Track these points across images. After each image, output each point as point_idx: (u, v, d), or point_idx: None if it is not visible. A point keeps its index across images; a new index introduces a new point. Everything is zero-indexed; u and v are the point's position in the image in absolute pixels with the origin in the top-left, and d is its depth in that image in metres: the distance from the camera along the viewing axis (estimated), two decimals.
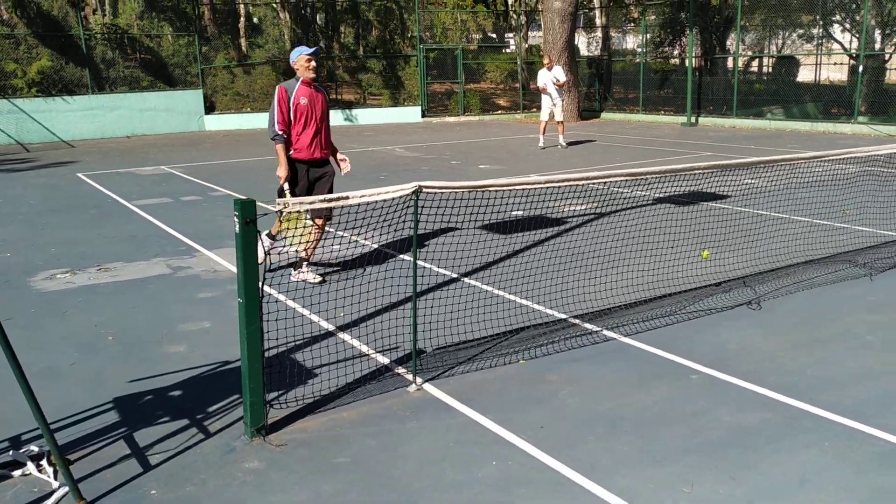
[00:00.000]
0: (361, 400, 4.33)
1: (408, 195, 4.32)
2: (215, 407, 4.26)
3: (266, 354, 4.02)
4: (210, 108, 23.22)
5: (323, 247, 7.22)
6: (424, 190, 4.36)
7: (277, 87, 6.32)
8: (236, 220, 3.70)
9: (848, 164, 11.27)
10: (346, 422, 4.08)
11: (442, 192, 4.46)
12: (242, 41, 27.21)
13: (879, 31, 23.44)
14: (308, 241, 6.30)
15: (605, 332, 5.29)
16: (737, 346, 5.04)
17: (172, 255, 7.73)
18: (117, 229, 9.06)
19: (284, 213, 5.51)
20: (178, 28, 23.92)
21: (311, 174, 6.46)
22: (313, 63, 6.32)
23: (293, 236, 5.96)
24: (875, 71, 22.66)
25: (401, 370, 4.72)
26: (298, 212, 5.78)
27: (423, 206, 4.69)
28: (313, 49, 6.33)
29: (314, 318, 5.59)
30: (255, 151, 17.27)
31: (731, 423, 3.99)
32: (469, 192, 4.65)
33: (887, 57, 25.21)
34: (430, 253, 7.20)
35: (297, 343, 5.12)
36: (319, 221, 6.39)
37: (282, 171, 6.32)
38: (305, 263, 6.52)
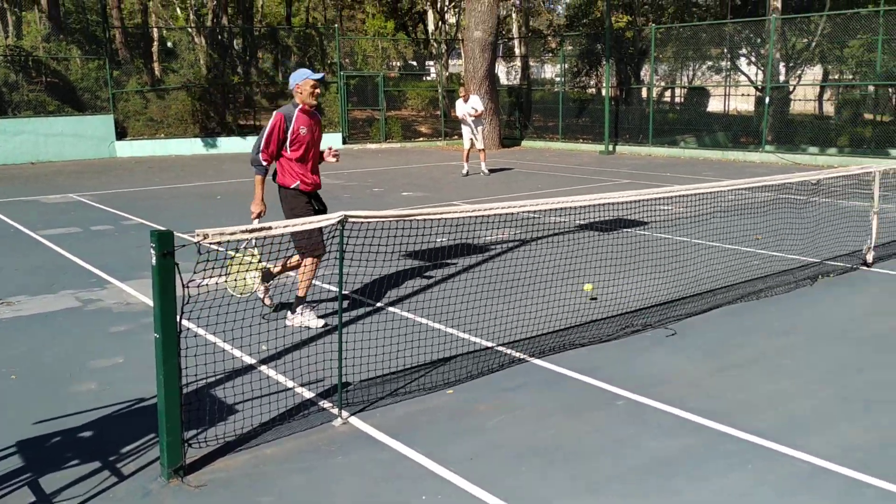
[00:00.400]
0: (285, 436, 4.19)
1: (333, 225, 4.23)
2: (129, 448, 4.05)
3: (184, 391, 3.84)
4: (122, 134, 22.50)
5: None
6: (350, 219, 4.29)
7: (276, 112, 5.88)
8: (153, 251, 3.54)
9: (759, 191, 11.73)
10: (269, 459, 3.94)
11: (367, 222, 4.40)
12: (156, 65, 26.59)
13: (784, 64, 24.63)
14: (307, 280, 5.92)
15: (534, 360, 5.30)
16: (659, 372, 5.11)
17: (82, 288, 7.38)
18: (20, 261, 8.61)
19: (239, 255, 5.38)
20: (87, 51, 23.18)
21: (315, 204, 6.10)
22: (318, 90, 5.97)
23: (236, 275, 5.58)
24: (780, 102, 23.79)
25: (326, 404, 4.59)
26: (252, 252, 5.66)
27: (348, 236, 4.61)
28: (320, 75, 5.95)
29: (236, 352, 5.41)
30: (169, 178, 16.80)
31: (657, 449, 4.02)
32: (395, 220, 4.59)
33: (791, 89, 26.52)
34: (356, 283, 7.10)
35: (218, 378, 4.93)
36: (310, 260, 5.91)
37: (256, 207, 5.88)
38: (305, 306, 6.03)
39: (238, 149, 23.40)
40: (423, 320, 6.16)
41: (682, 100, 30.20)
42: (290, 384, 4.87)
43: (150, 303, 4.20)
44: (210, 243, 3.66)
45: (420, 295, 6.95)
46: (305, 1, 38.88)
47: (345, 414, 4.42)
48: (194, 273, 3.88)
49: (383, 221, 4.48)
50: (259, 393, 4.68)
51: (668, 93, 32.00)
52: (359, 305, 6.61)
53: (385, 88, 26.42)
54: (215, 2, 27.78)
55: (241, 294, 5.71)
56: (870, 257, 7.96)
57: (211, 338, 5.64)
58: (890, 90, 23.11)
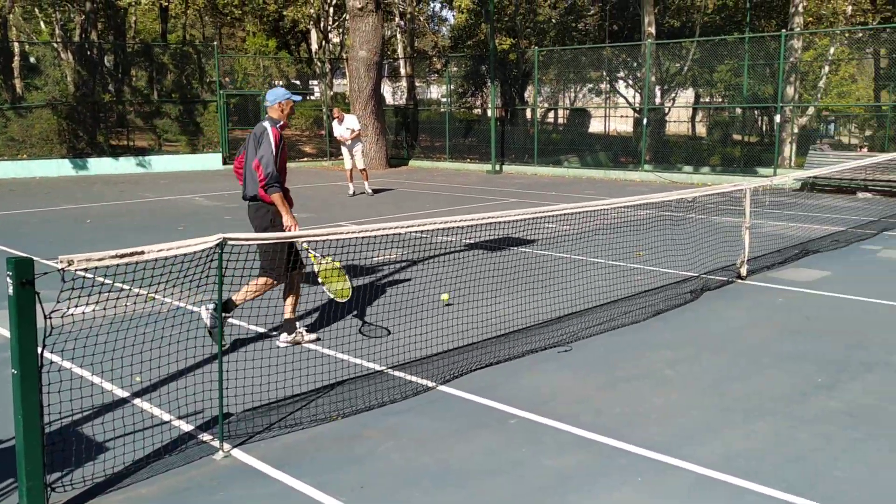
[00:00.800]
0: (162, 473, 3.91)
1: (211, 248, 4.01)
2: None
3: (47, 430, 3.52)
4: None
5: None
6: (230, 242, 4.08)
7: (271, 127, 5.85)
8: (10, 280, 3.24)
9: (640, 208, 12.13)
10: (144, 499, 3.65)
11: (249, 244, 4.19)
12: (17, 82, 25.06)
13: (659, 88, 25.79)
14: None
15: (424, 382, 5.20)
16: (551, 389, 5.12)
17: None
18: None
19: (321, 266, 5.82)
20: None
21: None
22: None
23: (330, 282, 5.87)
24: (657, 123, 24.88)
25: (206, 437, 4.33)
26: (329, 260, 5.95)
27: (228, 259, 4.39)
28: (299, 98, 6.13)
29: (107, 385, 5.04)
30: (33, 202, 15.77)
31: (551, 467, 3.99)
32: (277, 243, 4.40)
33: (667, 111, 27.81)
34: (238, 309, 6.79)
35: (86, 415, 4.57)
36: (264, 280, 5.89)
37: (292, 221, 5.87)
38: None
39: (111, 170, 22.31)
40: (311, 346, 5.96)
41: (566, 121, 31.13)
42: (166, 417, 4.57)
43: (8, 336, 3.85)
44: (77, 270, 3.38)
45: (307, 319, 6.74)
46: (182, 18, 37.71)
47: (226, 446, 4.17)
48: (58, 302, 3.56)
49: (265, 244, 4.28)
50: (133, 428, 4.36)
51: (551, 114, 32.90)
52: (242, 331, 6.33)
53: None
54: (83, 16, 26.51)
55: (344, 298, 5.89)
56: (744, 271, 8.34)
57: (78, 371, 5.23)
58: (756, 112, 24.61)
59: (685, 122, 33.01)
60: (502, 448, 4.24)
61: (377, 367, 5.48)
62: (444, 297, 7.15)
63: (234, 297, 5.81)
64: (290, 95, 6.04)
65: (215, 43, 26.84)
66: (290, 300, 5.97)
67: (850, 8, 26.30)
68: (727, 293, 7.79)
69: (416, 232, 6.17)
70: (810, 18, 25.74)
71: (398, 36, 34.49)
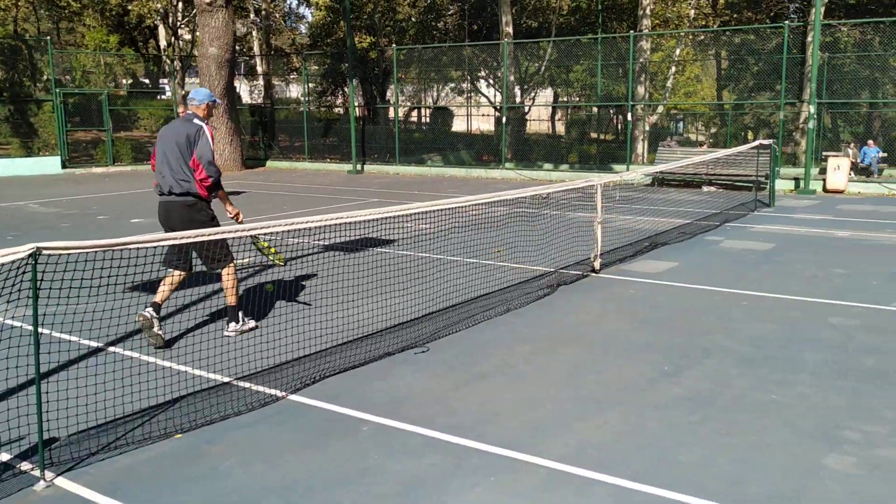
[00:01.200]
0: None
1: (22, 259, 3.61)
2: None
3: None
4: None
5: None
6: (45, 252, 3.69)
7: (206, 126, 6.01)
8: None
9: (497, 206, 12.27)
10: None
11: (67, 253, 3.81)
12: None
13: (519, 87, 26.36)
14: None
15: (273, 392, 4.95)
16: (407, 391, 5.00)
17: None
18: None
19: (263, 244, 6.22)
20: None
21: None
22: None
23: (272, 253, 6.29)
24: (517, 122, 25.39)
25: (25, 465, 3.92)
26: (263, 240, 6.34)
27: (47, 270, 3.99)
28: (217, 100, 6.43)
29: None
30: None
31: (402, 473, 3.87)
32: (105, 251, 4.03)
33: (527, 109, 28.46)
34: (64, 323, 6.26)
35: None
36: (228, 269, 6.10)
37: (236, 209, 6.28)
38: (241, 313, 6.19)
39: None
40: (148, 358, 5.56)
41: (428, 120, 31.25)
42: None
43: None
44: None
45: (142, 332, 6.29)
46: (13, 10, 34.99)
47: (49, 475, 3.79)
48: None
49: (87, 252, 3.91)
50: None
51: (415, 113, 32.96)
52: (65, 348, 5.80)
53: (111, 107, 24.45)
54: None
55: (282, 262, 6.49)
56: (597, 264, 8.55)
57: None
58: (611, 111, 25.62)
59: (546, 120, 34.01)
60: (352, 457, 4.07)
61: (222, 379, 5.18)
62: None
63: (229, 301, 6.06)
64: (212, 97, 6.26)
65: (49, 37, 25.05)
66: (165, 291, 5.97)
67: (692, 12, 27.89)
68: (582, 287, 7.96)
69: (265, 235, 5.89)
70: (657, 21, 27.10)
71: (254, 33, 33.49)
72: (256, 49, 32.78)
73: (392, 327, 6.40)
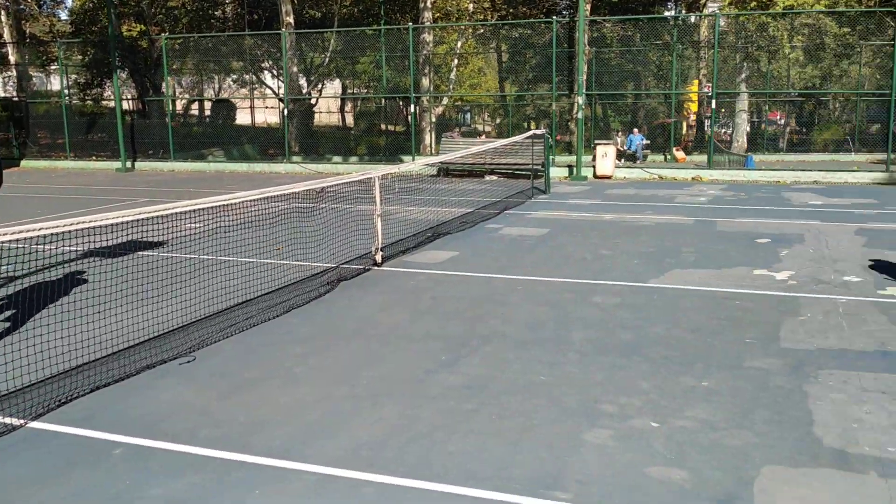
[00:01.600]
0: None
1: None
2: None
3: None
4: None
5: None
6: None
7: None
8: None
9: (274, 201, 11.87)
10: None
11: None
12: None
13: (304, 78, 25.83)
14: None
15: (9, 421, 4.38)
16: (168, 406, 4.63)
17: None
18: None
19: None
20: None
21: None
22: None
23: None
24: (303, 114, 24.88)
25: None
26: None
27: None
28: None
29: None
30: None
31: (159, 497, 3.55)
32: None
33: (314, 101, 27.96)
34: None
35: None
36: None
37: None
38: None
39: None
40: None
41: (209, 113, 29.89)
42: None
43: None
44: None
45: None
46: None
47: None
48: None
49: None
50: None
51: (195, 106, 31.37)
52: None
53: None
54: None
55: None
56: (379, 257, 8.50)
57: None
58: (400, 103, 25.80)
59: (335, 112, 33.72)
60: (102, 484, 3.68)
61: None
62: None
63: None
64: None
65: None
66: None
67: (471, 6, 28.80)
68: (363, 281, 7.87)
69: (8, 241, 5.21)
70: (439, 14, 27.70)
71: (2, 18, 30.18)
72: (7, 36, 29.59)
73: (155, 337, 5.93)
